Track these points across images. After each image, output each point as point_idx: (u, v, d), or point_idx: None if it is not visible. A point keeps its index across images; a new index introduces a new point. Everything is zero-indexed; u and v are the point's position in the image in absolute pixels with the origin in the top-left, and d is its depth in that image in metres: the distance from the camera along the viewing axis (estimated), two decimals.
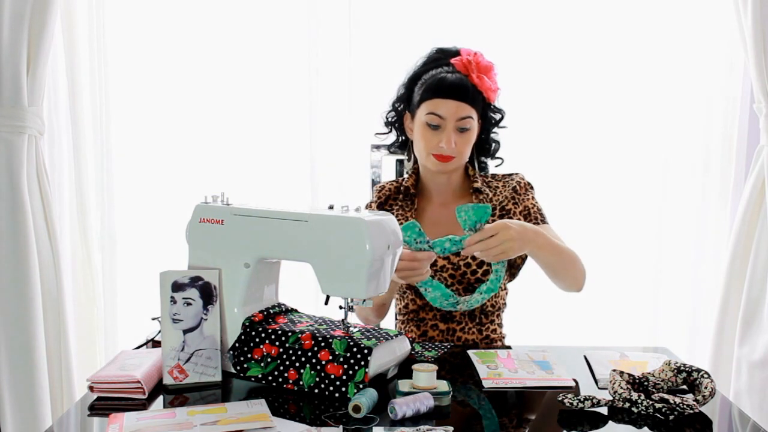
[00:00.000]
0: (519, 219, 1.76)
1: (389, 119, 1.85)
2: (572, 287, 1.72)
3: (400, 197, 1.84)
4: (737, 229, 2.30)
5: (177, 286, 1.38)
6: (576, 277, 1.70)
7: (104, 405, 1.30)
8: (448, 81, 1.69)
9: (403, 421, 1.21)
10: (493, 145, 1.85)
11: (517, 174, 1.84)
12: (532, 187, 1.83)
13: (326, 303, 1.41)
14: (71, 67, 2.38)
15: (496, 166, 1.88)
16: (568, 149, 2.53)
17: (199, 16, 2.50)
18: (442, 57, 1.77)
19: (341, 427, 1.19)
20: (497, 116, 1.81)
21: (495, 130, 1.84)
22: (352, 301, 1.39)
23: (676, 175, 2.52)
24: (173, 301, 1.38)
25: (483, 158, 1.88)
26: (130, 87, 2.52)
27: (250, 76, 2.53)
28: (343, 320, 1.41)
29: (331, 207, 1.41)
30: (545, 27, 2.47)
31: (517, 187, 1.80)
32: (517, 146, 2.45)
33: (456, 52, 1.76)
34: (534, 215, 1.78)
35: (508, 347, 1.70)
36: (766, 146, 2.23)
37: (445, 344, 1.66)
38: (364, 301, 1.36)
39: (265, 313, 1.44)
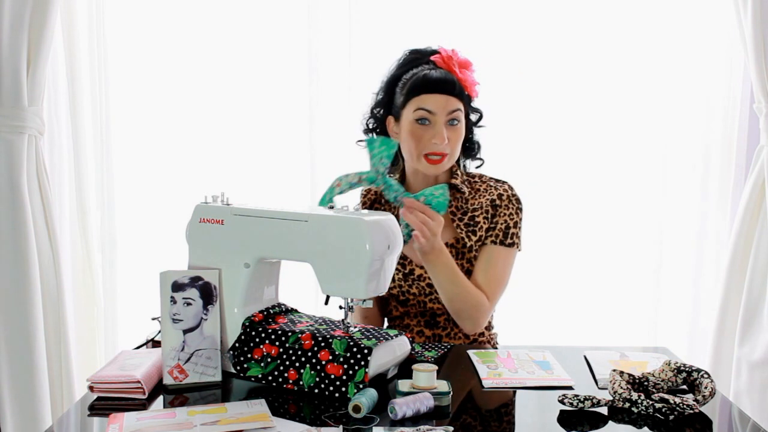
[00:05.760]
0: (482, 235, 1.72)
1: (369, 126, 1.81)
2: (462, 320, 1.69)
3: (383, 201, 1.83)
4: (737, 229, 2.30)
5: (177, 286, 1.38)
6: (466, 312, 1.66)
7: (104, 405, 1.30)
8: (434, 76, 1.65)
9: (403, 421, 1.21)
10: (475, 146, 1.81)
11: (505, 183, 1.77)
12: (518, 202, 1.75)
13: (326, 303, 1.41)
14: (71, 67, 2.38)
15: (477, 167, 1.83)
16: (568, 150, 2.53)
17: (198, 17, 2.50)
18: (419, 57, 1.73)
19: (341, 427, 1.19)
20: (476, 115, 1.78)
21: (475, 130, 1.80)
22: (352, 301, 1.40)
23: (676, 175, 2.52)
24: (173, 301, 1.38)
25: (468, 159, 1.82)
26: (130, 87, 2.52)
27: (250, 76, 2.52)
28: (343, 320, 1.41)
29: (331, 207, 1.41)
30: (546, 27, 2.47)
31: (498, 200, 1.73)
32: (518, 147, 2.47)
33: (433, 51, 1.73)
34: (501, 232, 1.71)
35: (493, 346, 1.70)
36: (766, 146, 2.23)
37: (445, 344, 1.66)
38: (364, 301, 1.37)
39: (265, 313, 1.44)
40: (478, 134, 1.82)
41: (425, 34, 2.44)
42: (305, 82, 2.51)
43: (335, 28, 2.49)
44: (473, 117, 1.77)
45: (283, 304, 1.52)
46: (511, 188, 1.76)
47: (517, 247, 1.74)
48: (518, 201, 1.75)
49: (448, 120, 1.65)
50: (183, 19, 2.50)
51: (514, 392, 1.37)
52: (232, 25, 2.50)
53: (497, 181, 1.78)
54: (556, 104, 2.50)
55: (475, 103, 1.77)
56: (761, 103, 2.23)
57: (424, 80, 1.65)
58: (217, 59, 2.51)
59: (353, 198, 2.43)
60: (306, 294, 2.39)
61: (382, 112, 1.77)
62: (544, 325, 2.51)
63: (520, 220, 1.74)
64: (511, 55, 2.46)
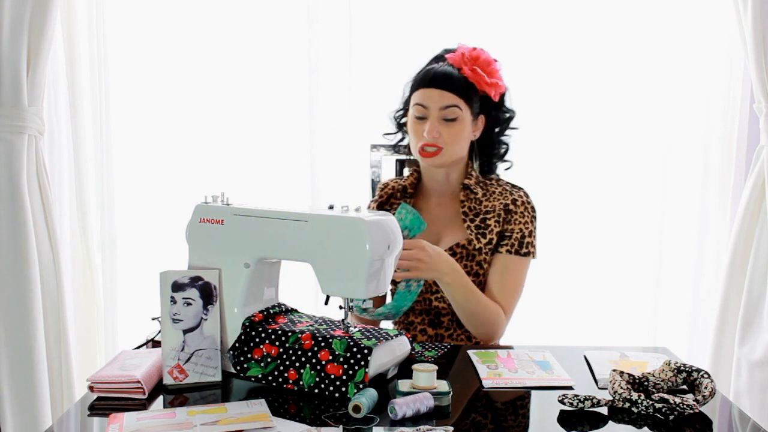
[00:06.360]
0: (493, 238, 1.71)
1: (397, 120, 1.83)
2: (479, 334, 1.71)
3: (399, 195, 1.84)
4: (737, 229, 2.30)
5: (177, 286, 1.38)
6: (483, 327, 1.69)
7: (104, 405, 1.30)
8: (432, 71, 1.68)
9: (403, 421, 1.21)
10: (501, 147, 1.79)
11: (521, 190, 1.76)
12: (533, 210, 1.74)
13: (326, 303, 1.41)
14: (71, 67, 2.38)
15: (506, 169, 1.83)
16: (568, 150, 2.53)
17: (198, 17, 2.50)
18: (440, 56, 1.76)
19: (341, 427, 1.19)
20: (505, 116, 1.77)
21: (507, 132, 1.80)
22: (352, 301, 1.40)
23: (676, 175, 2.52)
24: (173, 301, 1.38)
25: (492, 160, 1.81)
26: (130, 87, 2.52)
27: (249, 76, 2.53)
28: (343, 320, 1.41)
29: (331, 207, 1.41)
30: (546, 28, 2.47)
31: (512, 206, 1.72)
32: (517, 147, 2.47)
33: (455, 50, 1.74)
34: (516, 242, 1.70)
35: (508, 347, 1.70)
36: (766, 146, 2.23)
37: (445, 344, 1.66)
38: (364, 301, 1.37)
39: (265, 313, 1.44)
40: (510, 136, 1.81)
41: (425, 34, 2.45)
42: (305, 82, 2.51)
43: (335, 28, 2.49)
44: (502, 116, 1.77)
45: (283, 304, 1.52)
46: (527, 195, 1.76)
47: (532, 255, 1.74)
48: (533, 209, 1.75)
49: (442, 116, 1.66)
50: (183, 19, 2.50)
51: (514, 392, 1.37)
52: (232, 25, 2.51)
53: (513, 186, 1.78)
54: (555, 105, 2.51)
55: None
56: (761, 103, 2.23)
57: (424, 75, 1.69)
58: (217, 59, 2.51)
59: (354, 197, 2.44)
60: (306, 294, 2.39)
61: (406, 109, 1.80)
62: (544, 325, 2.51)
63: (535, 228, 1.74)
64: (512, 56, 2.45)
